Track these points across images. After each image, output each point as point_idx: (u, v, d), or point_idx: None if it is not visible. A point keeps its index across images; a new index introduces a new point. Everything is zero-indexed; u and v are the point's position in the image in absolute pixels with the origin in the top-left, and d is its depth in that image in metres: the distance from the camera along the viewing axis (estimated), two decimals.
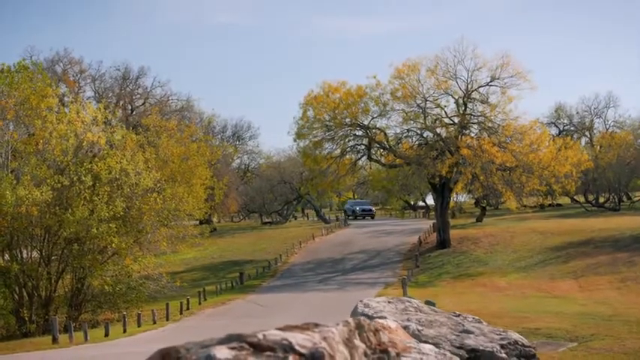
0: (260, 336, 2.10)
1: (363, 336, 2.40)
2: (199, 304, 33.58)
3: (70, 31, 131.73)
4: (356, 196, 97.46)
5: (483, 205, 64.67)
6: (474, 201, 70.40)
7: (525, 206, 54.30)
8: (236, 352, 1.98)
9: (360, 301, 6.87)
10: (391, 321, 4.42)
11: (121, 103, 62.92)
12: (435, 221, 53.86)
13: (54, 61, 61.14)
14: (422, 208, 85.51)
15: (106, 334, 24.81)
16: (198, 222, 53.71)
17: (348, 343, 2.23)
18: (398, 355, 2.58)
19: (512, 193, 46.93)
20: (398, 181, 51.24)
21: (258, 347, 2.02)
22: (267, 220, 79.68)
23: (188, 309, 31.67)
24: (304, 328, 2.24)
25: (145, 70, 68.62)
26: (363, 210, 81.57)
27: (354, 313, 6.70)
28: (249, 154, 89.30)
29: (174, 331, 25.35)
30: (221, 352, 2.00)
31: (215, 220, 75.08)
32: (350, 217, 76.58)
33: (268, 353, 1.99)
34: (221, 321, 27.17)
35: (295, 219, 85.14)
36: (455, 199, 62.25)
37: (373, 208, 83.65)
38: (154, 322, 28.44)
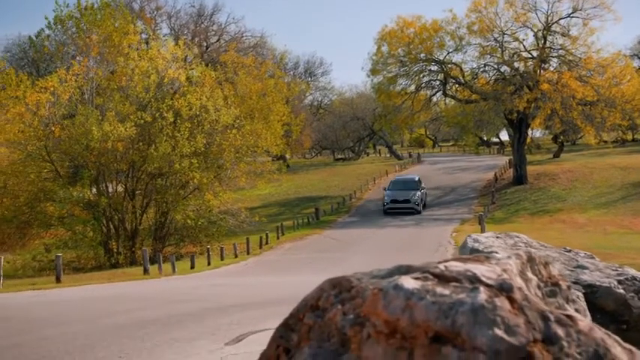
0: (442, 267, 2.11)
1: (535, 269, 2.44)
2: (277, 238, 34.22)
3: None
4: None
5: (561, 141, 63.29)
6: (551, 137, 68.95)
7: (605, 142, 52.80)
8: (422, 282, 1.94)
9: (469, 235, 6.93)
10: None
11: (196, 40, 63.19)
12: (510, 157, 53.11)
13: None
14: (496, 144, 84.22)
15: (192, 267, 25.57)
16: (271, 159, 54.30)
17: (522, 275, 2.28)
18: (569, 287, 2.62)
19: (592, 128, 45.72)
20: (473, 116, 50.45)
21: (442, 278, 2.04)
22: (339, 157, 79.83)
23: (267, 243, 32.32)
24: (477, 260, 2.27)
25: (220, 6, 68.85)
26: (393, 201, 42.36)
27: (463, 247, 6.78)
28: (322, 91, 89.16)
29: (257, 264, 25.95)
30: (408, 282, 1.99)
31: (288, 156, 75.70)
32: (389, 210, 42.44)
33: (454, 284, 1.98)
34: (301, 255, 27.65)
35: (367, 155, 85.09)
36: (531, 134, 61.11)
37: (415, 196, 42.39)
38: (236, 256, 29.12)
